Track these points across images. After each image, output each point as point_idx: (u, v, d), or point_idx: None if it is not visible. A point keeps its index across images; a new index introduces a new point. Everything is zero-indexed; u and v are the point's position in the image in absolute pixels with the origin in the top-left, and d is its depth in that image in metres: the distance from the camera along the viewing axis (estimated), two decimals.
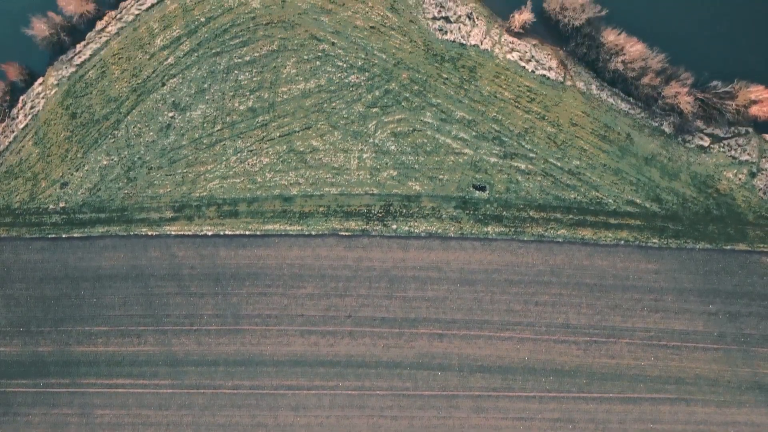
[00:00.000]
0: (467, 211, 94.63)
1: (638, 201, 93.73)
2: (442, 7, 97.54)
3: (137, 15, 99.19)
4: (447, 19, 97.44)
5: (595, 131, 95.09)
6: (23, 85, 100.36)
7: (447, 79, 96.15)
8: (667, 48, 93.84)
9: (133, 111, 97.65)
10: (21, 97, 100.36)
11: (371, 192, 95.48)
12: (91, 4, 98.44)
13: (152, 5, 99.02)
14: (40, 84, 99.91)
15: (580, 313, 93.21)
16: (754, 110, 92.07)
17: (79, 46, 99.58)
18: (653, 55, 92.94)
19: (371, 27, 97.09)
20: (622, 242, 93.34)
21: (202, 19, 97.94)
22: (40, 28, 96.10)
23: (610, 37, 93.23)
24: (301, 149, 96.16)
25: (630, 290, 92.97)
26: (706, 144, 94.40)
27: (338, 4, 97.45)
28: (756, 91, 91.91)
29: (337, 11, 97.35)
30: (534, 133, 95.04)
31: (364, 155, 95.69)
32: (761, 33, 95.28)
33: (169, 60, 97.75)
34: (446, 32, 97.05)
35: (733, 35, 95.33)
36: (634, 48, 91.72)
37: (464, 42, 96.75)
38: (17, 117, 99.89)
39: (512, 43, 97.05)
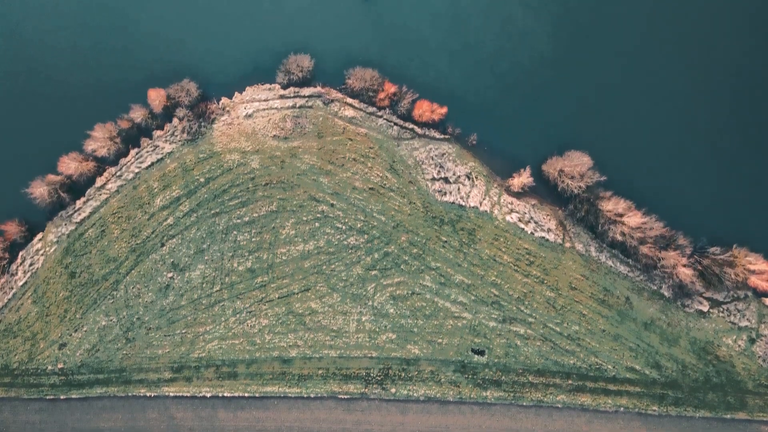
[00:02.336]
0: (466, 376, 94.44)
1: (638, 367, 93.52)
2: (441, 167, 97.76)
3: (137, 173, 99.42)
4: (446, 180, 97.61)
5: (594, 295, 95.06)
6: (22, 240, 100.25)
7: (446, 242, 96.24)
8: (666, 214, 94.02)
9: (133, 271, 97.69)
10: (20, 253, 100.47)
11: (370, 355, 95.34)
12: (91, 163, 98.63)
13: (152, 163, 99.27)
14: (40, 240, 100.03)
15: None
16: (753, 281, 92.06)
17: (78, 203, 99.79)
18: (652, 221, 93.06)
19: (370, 188, 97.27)
20: (622, 409, 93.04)
21: (202, 180, 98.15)
22: (39, 192, 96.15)
23: (609, 205, 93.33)
24: (300, 311, 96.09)
25: None
26: (705, 309, 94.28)
27: (337, 165, 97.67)
28: (755, 263, 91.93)
29: (336, 172, 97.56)
30: (533, 297, 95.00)
31: (363, 318, 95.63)
32: (758, 201, 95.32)
33: (169, 220, 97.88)
34: (445, 193, 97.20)
35: (730, 202, 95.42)
36: (633, 219, 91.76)
37: (463, 203, 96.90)
38: (16, 273, 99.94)
39: (511, 203, 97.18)
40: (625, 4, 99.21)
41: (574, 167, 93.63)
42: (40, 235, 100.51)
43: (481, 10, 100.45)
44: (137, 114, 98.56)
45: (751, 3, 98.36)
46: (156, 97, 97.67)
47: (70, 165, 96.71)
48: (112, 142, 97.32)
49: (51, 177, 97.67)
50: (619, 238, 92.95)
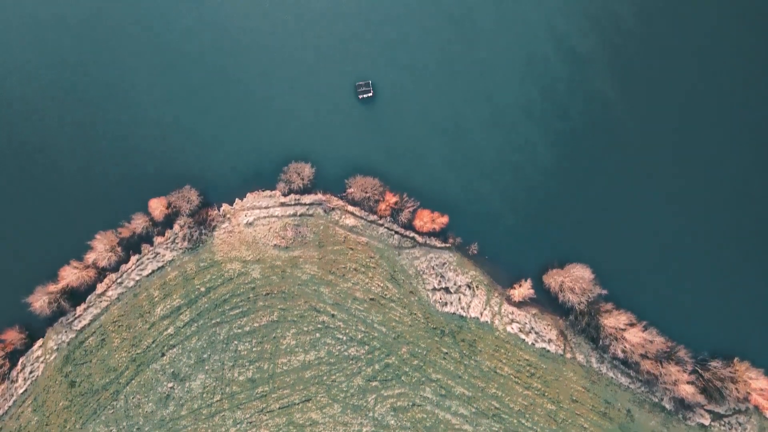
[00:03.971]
0: None
1: None
2: (442, 277, 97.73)
3: (138, 281, 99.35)
4: (447, 290, 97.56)
5: (595, 408, 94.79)
6: (23, 347, 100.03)
7: (447, 353, 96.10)
8: (667, 326, 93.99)
9: (133, 381, 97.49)
10: (21, 359, 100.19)
11: None
12: (92, 271, 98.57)
13: (153, 271, 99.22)
14: (40, 346, 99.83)
15: None
16: (755, 399, 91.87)
17: (79, 309, 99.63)
18: (653, 335, 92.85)
19: (371, 299, 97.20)
20: None
21: (202, 289, 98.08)
22: (40, 305, 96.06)
23: (610, 320, 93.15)
24: (301, 422, 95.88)
25: None
26: (706, 422, 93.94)
27: (338, 276, 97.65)
28: (756, 379, 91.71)
29: (337, 282, 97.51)
30: (534, 410, 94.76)
31: (364, 429, 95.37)
32: (759, 315, 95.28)
33: (169, 330, 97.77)
34: (446, 303, 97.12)
35: (732, 316, 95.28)
36: (634, 337, 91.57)
37: (464, 314, 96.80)
38: (17, 380, 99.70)
39: (512, 313, 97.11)
40: (625, 119, 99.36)
41: (575, 282, 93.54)
42: (40, 342, 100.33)
43: (482, 119, 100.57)
44: (138, 222, 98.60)
45: (745, 118, 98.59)
46: (157, 206, 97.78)
47: (71, 273, 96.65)
48: (112, 252, 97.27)
49: (52, 287, 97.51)
50: (621, 354, 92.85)
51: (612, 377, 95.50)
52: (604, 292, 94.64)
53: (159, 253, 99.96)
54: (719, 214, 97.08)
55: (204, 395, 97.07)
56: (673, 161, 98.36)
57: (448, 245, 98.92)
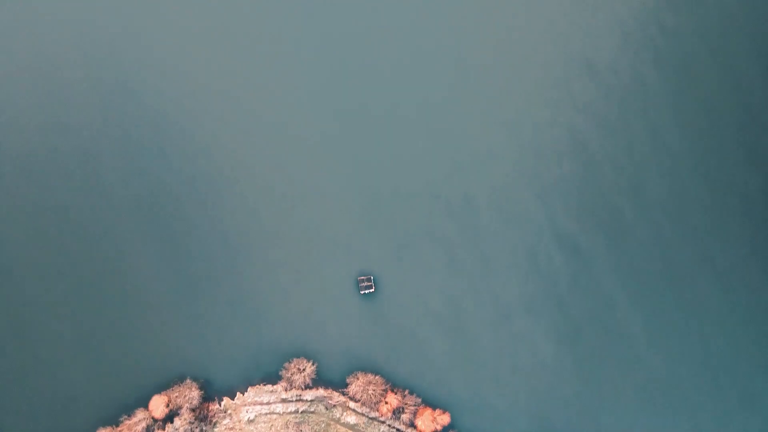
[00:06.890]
0: None
1: None
2: None
3: None
4: None
5: None
6: None
7: None
8: None
9: None
10: None
11: None
12: None
13: None
14: None
15: None
16: None
17: None
18: None
19: None
20: None
21: None
22: None
23: None
24: None
25: None
26: None
27: None
28: None
29: None
30: None
31: None
32: None
33: None
34: None
35: None
36: None
37: None
38: None
39: None
40: (629, 316, 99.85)
41: None
42: None
43: (485, 315, 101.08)
44: (139, 417, 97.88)
45: (748, 315, 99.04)
46: (157, 405, 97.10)
47: None
48: None
49: None
50: None
51: None
52: None
53: None
54: (729, 417, 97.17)
55: None
56: (680, 360, 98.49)
57: None
